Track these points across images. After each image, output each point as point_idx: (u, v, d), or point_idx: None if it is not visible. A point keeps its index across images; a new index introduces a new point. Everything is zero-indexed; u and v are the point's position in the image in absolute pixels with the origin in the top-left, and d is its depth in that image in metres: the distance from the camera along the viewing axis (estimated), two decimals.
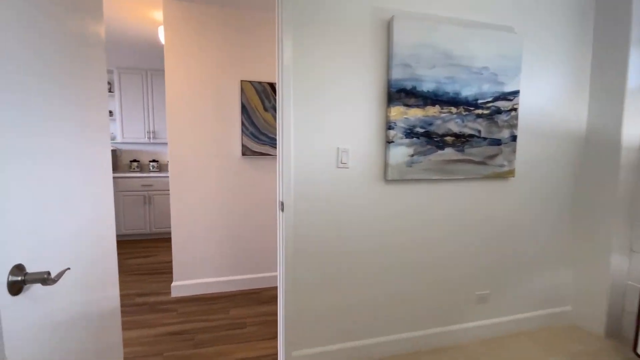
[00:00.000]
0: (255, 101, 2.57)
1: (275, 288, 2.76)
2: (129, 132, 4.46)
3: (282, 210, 1.60)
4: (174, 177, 2.53)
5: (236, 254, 2.72)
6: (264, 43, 2.58)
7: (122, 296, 2.60)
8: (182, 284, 2.61)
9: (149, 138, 4.53)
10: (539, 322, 2.15)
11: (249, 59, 2.57)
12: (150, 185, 4.29)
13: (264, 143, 2.62)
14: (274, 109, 2.61)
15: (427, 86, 1.72)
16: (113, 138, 4.55)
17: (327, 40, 1.58)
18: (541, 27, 1.94)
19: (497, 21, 1.86)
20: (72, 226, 1.16)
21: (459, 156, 1.83)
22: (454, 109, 1.78)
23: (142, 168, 4.77)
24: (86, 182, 1.30)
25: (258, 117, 2.59)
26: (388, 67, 1.68)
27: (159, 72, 4.44)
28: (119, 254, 3.69)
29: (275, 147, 2.65)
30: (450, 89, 1.76)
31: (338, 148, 1.64)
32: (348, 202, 1.68)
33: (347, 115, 1.64)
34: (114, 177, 4.15)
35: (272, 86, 2.60)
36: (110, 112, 4.53)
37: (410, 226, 1.80)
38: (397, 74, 1.66)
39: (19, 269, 0.70)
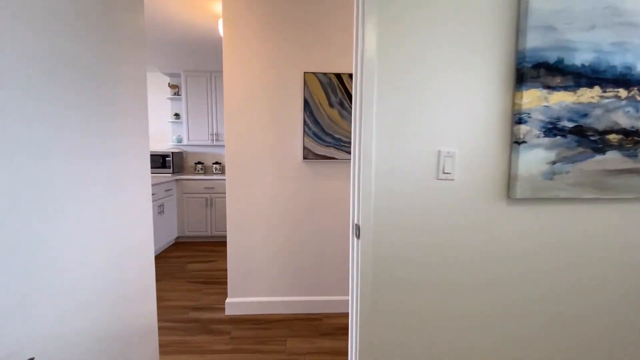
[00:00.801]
0: (320, 96, 2.20)
1: (340, 315, 2.35)
2: (194, 134, 4.50)
3: (358, 236, 1.17)
4: (230, 182, 2.29)
5: (295, 272, 2.38)
6: (333, 26, 2.19)
7: (177, 308, 2.45)
8: (237, 301, 2.36)
9: (212, 140, 4.52)
10: None
11: (313, 47, 2.20)
12: (212, 188, 4.25)
13: (328, 145, 2.23)
14: (341, 104, 2.21)
15: (581, 57, 1.13)
16: (180, 140, 4.65)
17: (427, 3, 1.11)
18: None
19: None
20: (89, 269, 0.88)
21: (630, 164, 1.19)
22: (623, 92, 1.16)
23: (206, 170, 4.81)
24: (109, 199, 1.02)
25: (322, 114, 2.21)
26: (518, 31, 1.14)
27: (222, 73, 4.39)
28: (180, 256, 3.67)
29: (342, 150, 2.24)
30: (618, 60, 1.15)
31: (439, 152, 1.15)
32: (451, 229, 1.18)
33: (452, 106, 1.14)
34: (179, 179, 4.20)
35: (340, 77, 2.19)
36: (178, 115, 4.63)
37: (544, 266, 1.22)
38: (533, 41, 1.11)
39: None
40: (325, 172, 2.31)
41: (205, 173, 4.67)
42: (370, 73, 1.11)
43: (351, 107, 2.18)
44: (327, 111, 2.21)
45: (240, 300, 2.36)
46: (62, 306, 0.92)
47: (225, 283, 2.94)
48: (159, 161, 4.35)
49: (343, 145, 2.24)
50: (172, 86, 4.56)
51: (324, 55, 2.21)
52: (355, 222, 1.20)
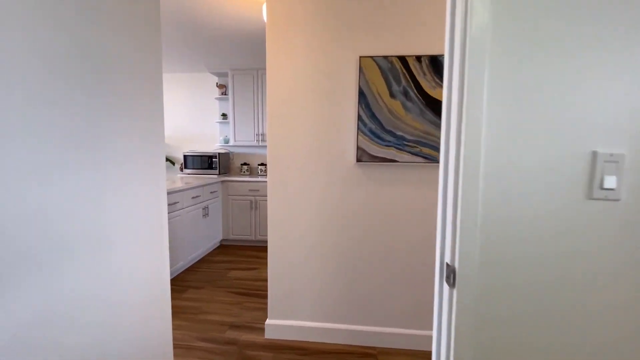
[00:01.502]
0: (379, 84, 1.81)
1: (399, 353, 1.93)
2: (240, 135, 4.37)
3: (452, 283, 0.77)
4: (272, 187, 2.00)
5: (345, 295, 2.01)
6: None
7: (215, 324, 2.23)
8: (278, 324, 2.06)
9: (258, 140, 4.35)
10: None
11: (372, 25, 1.82)
12: (257, 190, 4.08)
13: (388, 145, 1.83)
14: (405, 94, 1.79)
15: None
16: (227, 141, 4.57)
17: None
18: None
19: None
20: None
21: None
22: None
23: (251, 171, 4.67)
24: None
25: (381, 107, 1.82)
26: None
27: None
28: (223, 261, 3.53)
29: (405, 151, 1.82)
30: None
31: (594, 154, 0.70)
32: (618, 286, 0.72)
33: (613, 78, 0.69)
34: (224, 181, 4.09)
35: (404, 61, 1.78)
36: (225, 115, 4.55)
37: None
38: None
39: None
40: (383, 178, 1.91)
41: (250, 174, 4.53)
42: (478, 53, 0.70)
43: (418, 97, 1.76)
44: (388, 103, 1.81)
45: (281, 322, 2.07)
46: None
47: (267, 296, 2.68)
48: (206, 162, 4.30)
49: (406, 145, 1.82)
50: (219, 86, 4.50)
51: (385, 35, 1.81)
52: (447, 260, 0.80)
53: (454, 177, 0.75)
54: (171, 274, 3.02)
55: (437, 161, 1.81)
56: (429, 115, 1.79)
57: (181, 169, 4.49)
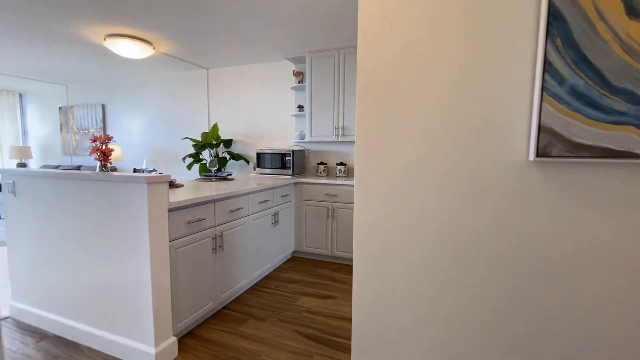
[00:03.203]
0: None
1: None
2: (318, 129, 3.73)
3: None
4: (359, 196, 1.21)
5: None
6: None
7: None
8: None
9: (337, 135, 3.64)
10: None
11: None
12: (335, 195, 3.36)
13: (617, 120, 0.85)
14: None
15: None
16: (302, 137, 3.98)
17: None
18: None
19: None
20: None
21: None
22: None
23: (328, 172, 3.99)
24: None
25: (603, 41, 0.85)
26: None
27: (352, 48, 3.44)
28: (293, 281, 2.90)
29: None
30: None
31: None
32: None
33: None
34: (298, 183, 3.49)
35: None
36: (301, 107, 3.96)
37: None
38: None
39: None
40: (601, 193, 0.92)
41: (328, 175, 3.85)
42: None
43: None
44: (620, 30, 0.83)
45: None
46: None
47: (347, 348, 1.92)
48: (280, 161, 3.78)
49: None
50: (296, 74, 3.94)
51: None
52: None
53: None
54: (232, 295, 2.50)
55: None
56: None
57: (254, 168, 4.08)
